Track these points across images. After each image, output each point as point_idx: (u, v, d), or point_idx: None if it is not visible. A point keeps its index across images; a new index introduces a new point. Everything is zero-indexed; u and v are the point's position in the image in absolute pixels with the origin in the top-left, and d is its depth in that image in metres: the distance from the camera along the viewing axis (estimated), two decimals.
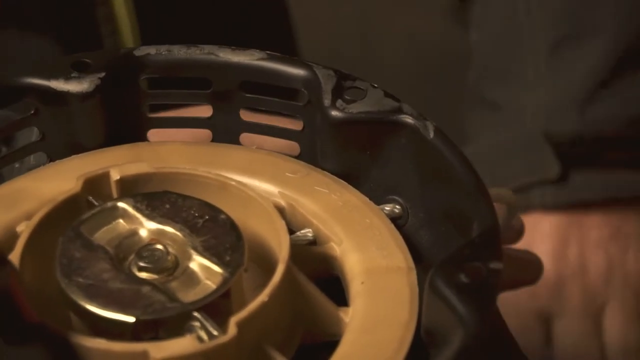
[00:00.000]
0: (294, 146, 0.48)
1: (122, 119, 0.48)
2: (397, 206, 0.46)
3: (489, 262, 0.39)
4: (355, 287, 0.42)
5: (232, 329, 0.38)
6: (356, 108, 0.45)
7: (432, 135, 0.44)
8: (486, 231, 0.40)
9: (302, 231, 0.44)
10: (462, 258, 0.39)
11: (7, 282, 0.37)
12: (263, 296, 0.39)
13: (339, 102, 0.46)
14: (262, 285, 0.41)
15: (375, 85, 0.46)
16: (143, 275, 0.41)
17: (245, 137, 0.49)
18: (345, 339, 0.40)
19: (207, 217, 0.42)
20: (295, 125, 0.48)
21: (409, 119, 0.45)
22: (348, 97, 0.46)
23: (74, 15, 0.72)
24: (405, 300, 0.41)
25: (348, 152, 0.46)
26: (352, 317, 0.41)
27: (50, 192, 0.44)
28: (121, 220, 0.42)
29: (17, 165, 0.48)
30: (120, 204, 0.42)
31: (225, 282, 0.40)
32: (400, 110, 0.45)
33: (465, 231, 0.42)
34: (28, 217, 0.43)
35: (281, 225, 0.42)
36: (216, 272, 0.40)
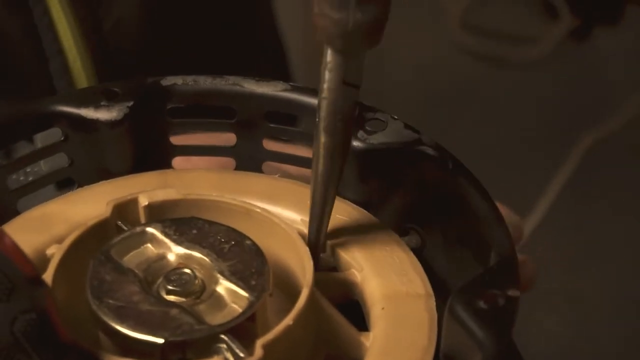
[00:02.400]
0: None
1: (148, 146, 0.50)
2: (416, 234, 0.47)
3: (507, 289, 0.40)
4: (376, 313, 0.44)
5: (258, 351, 0.40)
6: (377, 139, 0.47)
7: (450, 165, 0.46)
8: (504, 259, 0.42)
9: (324, 257, 0.46)
10: (481, 285, 0.41)
11: (44, 302, 0.38)
12: (288, 320, 0.41)
13: (361, 133, 0.48)
14: (285, 309, 0.42)
15: (396, 117, 0.48)
16: (171, 298, 0.42)
17: (267, 164, 0.51)
18: None
19: (233, 243, 0.44)
20: None
21: (428, 150, 0.47)
22: (369, 128, 0.48)
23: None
24: (424, 326, 0.43)
25: (369, 181, 0.48)
26: (373, 342, 0.43)
27: (79, 217, 0.46)
28: (150, 245, 0.44)
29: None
30: (149, 229, 0.44)
31: (251, 305, 0.41)
32: (420, 142, 0.47)
33: (482, 259, 0.43)
34: (58, 240, 0.45)
35: (305, 251, 0.44)
36: (242, 296, 0.42)
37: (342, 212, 0.48)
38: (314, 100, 0.49)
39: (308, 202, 0.48)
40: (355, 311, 0.45)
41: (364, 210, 0.48)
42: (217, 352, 0.40)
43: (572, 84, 1.29)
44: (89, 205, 0.47)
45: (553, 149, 1.19)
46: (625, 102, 1.23)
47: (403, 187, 0.47)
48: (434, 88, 1.22)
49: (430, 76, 1.27)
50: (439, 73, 1.27)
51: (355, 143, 0.47)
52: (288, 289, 0.45)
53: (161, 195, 0.46)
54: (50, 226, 0.46)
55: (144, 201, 0.46)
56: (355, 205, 0.48)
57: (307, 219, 0.46)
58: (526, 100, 1.28)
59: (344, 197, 0.48)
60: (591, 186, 1.16)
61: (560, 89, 1.29)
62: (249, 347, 0.40)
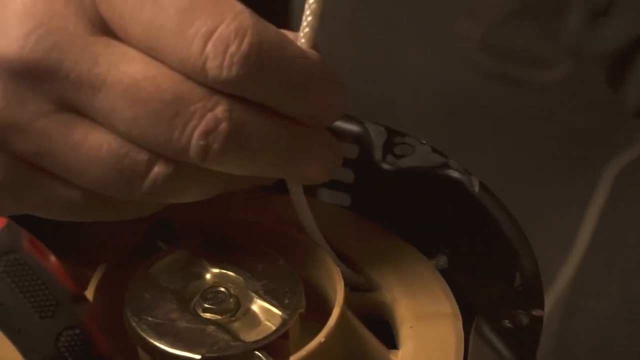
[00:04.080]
0: (345, 197, 0.51)
1: None
2: (443, 255, 0.49)
3: (532, 309, 0.42)
4: (405, 331, 0.45)
5: None
6: (405, 163, 0.49)
7: (477, 189, 0.47)
8: (528, 280, 0.44)
9: (354, 277, 0.48)
10: (507, 305, 0.42)
11: (87, 319, 0.40)
12: (320, 337, 0.43)
13: (389, 157, 0.49)
14: (314, 328, 0.44)
15: (424, 142, 0.49)
16: (207, 315, 0.44)
17: None
18: None
19: (266, 263, 0.45)
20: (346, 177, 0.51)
21: (455, 174, 0.48)
22: (398, 153, 0.49)
23: None
24: (451, 344, 0.45)
25: (397, 204, 0.50)
26: (402, 359, 0.44)
27: (119, 235, 0.48)
28: (186, 264, 0.46)
29: None
30: (186, 249, 0.46)
31: (284, 323, 0.43)
32: (446, 166, 0.49)
33: (507, 280, 0.45)
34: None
35: (336, 271, 0.45)
36: (276, 314, 0.44)
37: (372, 235, 0.49)
38: (344, 125, 0.51)
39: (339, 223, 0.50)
40: (384, 330, 0.47)
41: (393, 233, 0.49)
42: None
43: (592, 107, 1.30)
44: (128, 223, 0.49)
45: (579, 174, 1.20)
46: None
47: (430, 209, 0.49)
48: (452, 108, 1.23)
49: (448, 96, 1.28)
50: (457, 93, 1.29)
51: (385, 166, 0.49)
52: (318, 308, 0.46)
53: (198, 215, 0.48)
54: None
55: (181, 221, 0.47)
56: (383, 228, 0.50)
57: (338, 239, 0.48)
58: (546, 123, 1.29)
59: (373, 220, 0.50)
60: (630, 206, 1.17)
61: (580, 112, 1.30)
62: None
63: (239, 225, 0.48)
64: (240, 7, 0.40)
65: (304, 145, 0.43)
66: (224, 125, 0.40)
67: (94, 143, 0.40)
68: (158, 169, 0.41)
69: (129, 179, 0.41)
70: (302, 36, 0.43)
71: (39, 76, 0.39)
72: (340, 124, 0.50)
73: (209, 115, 0.40)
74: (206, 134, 0.39)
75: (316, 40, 0.44)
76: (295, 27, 0.44)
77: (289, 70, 0.41)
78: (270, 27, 0.41)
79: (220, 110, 0.40)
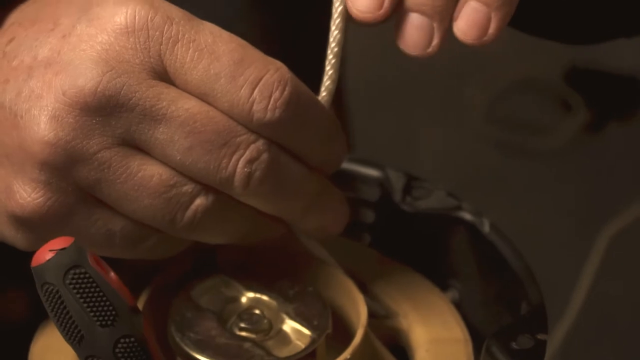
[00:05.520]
0: (365, 236, 0.57)
1: None
2: (455, 290, 0.54)
3: (537, 334, 0.47)
4: (421, 354, 0.51)
5: None
6: (422, 205, 0.54)
7: (487, 229, 0.53)
8: (534, 308, 0.49)
9: (373, 305, 0.53)
10: (514, 329, 0.48)
11: (141, 329, 0.44)
12: (346, 354, 0.48)
13: (408, 199, 0.55)
14: (337, 349, 0.49)
15: (440, 187, 0.55)
16: (243, 334, 0.49)
17: None
18: None
19: (296, 289, 0.51)
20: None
21: (467, 216, 0.54)
22: (415, 195, 0.55)
23: None
24: None
25: (414, 242, 0.55)
26: None
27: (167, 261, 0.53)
28: (224, 289, 0.51)
29: None
30: (224, 275, 0.51)
31: (313, 342, 0.48)
32: (460, 208, 0.54)
33: (514, 310, 0.50)
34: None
35: (360, 297, 0.51)
36: (305, 334, 0.49)
37: (390, 269, 0.55)
38: (367, 170, 0.56)
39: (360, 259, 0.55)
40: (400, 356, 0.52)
41: (410, 268, 0.55)
42: None
43: (589, 174, 1.36)
44: None
45: (575, 237, 1.25)
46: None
47: (445, 247, 0.55)
48: (459, 175, 1.30)
49: (455, 164, 1.35)
50: (463, 161, 1.35)
51: (403, 207, 0.54)
52: (341, 331, 0.51)
53: (235, 247, 0.53)
54: None
55: (221, 252, 0.52)
56: (402, 264, 0.55)
57: (361, 271, 0.53)
58: (546, 189, 1.35)
59: (392, 257, 0.55)
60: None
61: (578, 179, 1.36)
62: None
63: (272, 254, 0.53)
64: (280, 63, 0.46)
65: (328, 195, 0.49)
66: (265, 156, 0.46)
67: (147, 173, 0.46)
68: (199, 201, 0.46)
69: (174, 209, 0.46)
70: (323, 90, 0.49)
71: (108, 111, 0.45)
72: (364, 169, 0.56)
73: (253, 146, 0.46)
74: (250, 161, 0.45)
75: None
76: None
77: (319, 121, 0.48)
78: (304, 84, 0.47)
79: (262, 142, 0.46)
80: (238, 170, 0.46)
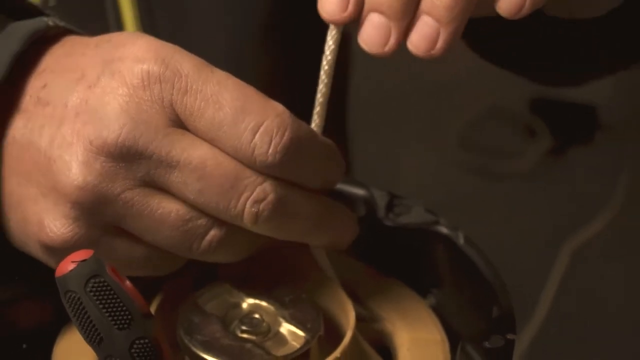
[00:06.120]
0: (352, 248, 0.58)
1: None
2: (432, 296, 0.56)
3: (507, 334, 0.49)
4: (403, 354, 0.53)
5: None
6: (403, 220, 0.56)
7: (462, 242, 0.55)
8: (504, 312, 0.51)
9: (361, 310, 0.55)
10: (487, 331, 0.50)
11: (153, 332, 0.46)
12: (336, 353, 0.50)
13: (390, 215, 0.57)
14: (328, 350, 0.51)
15: (419, 204, 0.57)
16: (244, 336, 0.51)
17: None
18: None
19: (292, 296, 0.52)
20: None
21: (444, 230, 0.56)
22: (397, 212, 0.57)
23: None
24: None
25: (396, 253, 0.57)
26: None
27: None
28: (227, 296, 0.53)
29: None
30: (227, 284, 0.53)
31: (307, 343, 0.50)
32: (437, 223, 0.56)
33: (486, 313, 0.52)
34: None
35: (349, 303, 0.53)
36: (300, 336, 0.50)
37: (375, 278, 0.56)
38: (353, 189, 0.58)
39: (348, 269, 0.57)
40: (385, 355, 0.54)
41: (393, 277, 0.57)
42: None
43: (553, 194, 1.38)
44: None
45: (541, 249, 1.28)
46: (601, 212, 1.33)
47: (424, 258, 0.56)
48: (436, 194, 1.32)
49: (433, 184, 1.37)
50: (440, 181, 1.38)
51: (386, 222, 0.56)
52: (332, 334, 0.53)
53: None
54: None
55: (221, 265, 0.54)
56: (386, 273, 0.57)
57: (351, 280, 0.55)
58: (514, 207, 1.38)
59: (377, 267, 0.57)
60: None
61: (543, 198, 1.38)
62: None
63: (270, 266, 0.54)
64: (281, 107, 0.48)
65: (332, 213, 0.51)
66: (271, 196, 0.48)
67: (166, 210, 0.48)
68: (214, 232, 0.48)
69: (190, 239, 0.49)
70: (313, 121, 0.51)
71: (129, 158, 0.47)
72: (351, 189, 0.58)
73: (259, 187, 0.47)
74: (257, 202, 0.47)
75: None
76: None
77: (317, 156, 0.49)
78: (303, 123, 0.49)
79: (267, 184, 0.47)
80: (246, 209, 0.47)
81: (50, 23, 0.51)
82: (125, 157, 0.47)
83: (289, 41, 0.79)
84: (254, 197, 0.47)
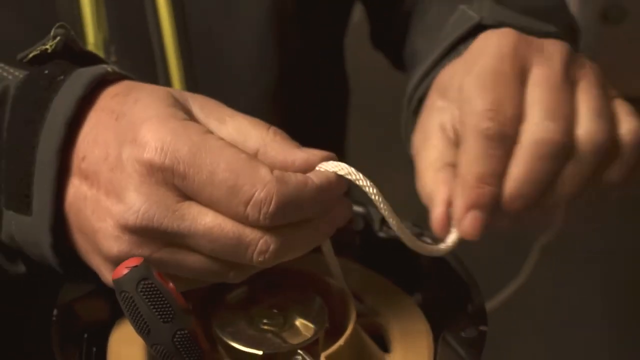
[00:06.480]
0: (353, 256, 0.66)
1: None
2: (419, 294, 0.64)
3: (479, 326, 0.57)
4: (395, 342, 0.60)
5: None
6: (394, 232, 0.63)
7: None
8: (476, 307, 0.58)
9: (360, 306, 0.62)
10: (463, 324, 0.57)
11: (192, 324, 0.51)
12: (341, 341, 0.57)
13: (384, 228, 0.64)
14: (333, 341, 0.58)
15: (407, 219, 0.64)
16: (265, 327, 0.58)
17: None
18: None
19: (303, 297, 0.60)
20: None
21: (428, 240, 0.63)
22: (389, 226, 0.64)
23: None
24: (425, 350, 0.59)
25: (389, 259, 0.64)
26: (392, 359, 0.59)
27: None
28: (251, 296, 0.60)
29: None
30: (253, 287, 0.60)
31: (315, 333, 0.58)
32: (422, 234, 0.64)
33: (462, 309, 0.59)
34: None
35: (351, 301, 0.60)
36: (310, 327, 0.58)
37: (372, 279, 0.64)
38: (353, 207, 0.65)
39: (347, 273, 0.64)
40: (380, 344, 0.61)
41: (386, 279, 0.64)
42: None
43: None
44: None
45: (511, 251, 1.34)
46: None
47: (411, 263, 0.64)
48: (421, 211, 1.37)
49: (419, 203, 1.43)
50: (412, 209, 1.43)
51: (381, 234, 0.64)
52: (338, 326, 0.60)
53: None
54: None
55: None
56: (380, 276, 0.64)
57: (351, 282, 0.63)
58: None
59: (373, 270, 0.65)
60: None
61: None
62: (316, 358, 0.56)
63: (288, 273, 0.62)
64: (269, 177, 0.51)
65: (332, 215, 0.55)
66: (273, 246, 0.52)
67: (189, 262, 0.53)
68: (232, 273, 0.54)
69: (218, 278, 0.54)
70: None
71: (149, 234, 0.52)
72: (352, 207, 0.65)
73: (261, 241, 0.52)
74: (262, 252, 0.52)
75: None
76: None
77: (306, 206, 0.53)
78: (291, 180, 0.52)
79: (267, 237, 0.52)
80: (254, 258, 0.52)
81: (109, 69, 0.56)
82: (145, 232, 0.52)
83: (315, 90, 0.84)
84: (258, 250, 0.52)
